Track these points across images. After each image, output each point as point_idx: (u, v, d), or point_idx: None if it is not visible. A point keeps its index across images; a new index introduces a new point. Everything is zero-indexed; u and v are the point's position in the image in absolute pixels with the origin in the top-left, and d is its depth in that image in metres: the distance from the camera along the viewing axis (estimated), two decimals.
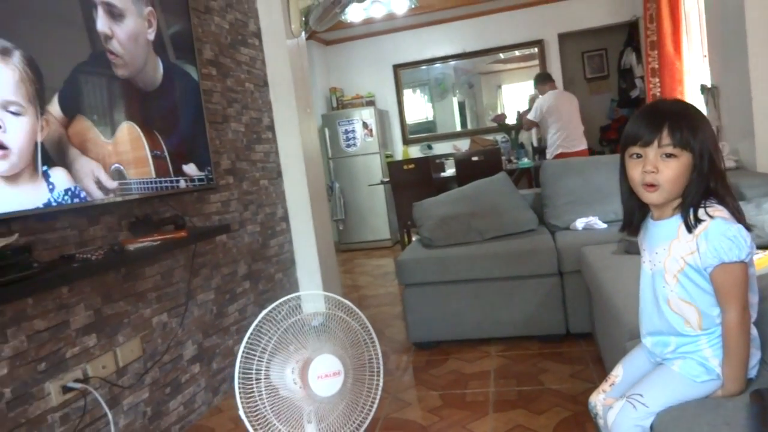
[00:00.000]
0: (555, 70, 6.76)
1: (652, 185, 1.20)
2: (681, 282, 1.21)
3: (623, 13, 6.37)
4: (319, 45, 6.93)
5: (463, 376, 2.63)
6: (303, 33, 3.96)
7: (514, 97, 7.13)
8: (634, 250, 2.44)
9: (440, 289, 2.99)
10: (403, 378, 2.73)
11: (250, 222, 3.12)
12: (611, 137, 6.95)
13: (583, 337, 2.87)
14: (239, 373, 1.71)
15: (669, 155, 1.17)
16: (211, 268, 2.67)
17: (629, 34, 6.62)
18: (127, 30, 2.15)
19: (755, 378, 1.23)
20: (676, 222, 1.21)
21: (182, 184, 2.42)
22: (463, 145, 6.66)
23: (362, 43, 7.04)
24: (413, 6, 6.05)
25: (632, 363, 1.41)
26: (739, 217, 1.17)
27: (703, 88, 4.20)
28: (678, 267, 1.21)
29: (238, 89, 3.21)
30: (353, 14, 6.01)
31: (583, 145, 5.32)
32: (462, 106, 7.35)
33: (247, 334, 1.72)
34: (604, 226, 3.12)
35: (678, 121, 1.17)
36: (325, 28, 4.33)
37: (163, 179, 2.31)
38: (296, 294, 1.85)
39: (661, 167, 1.18)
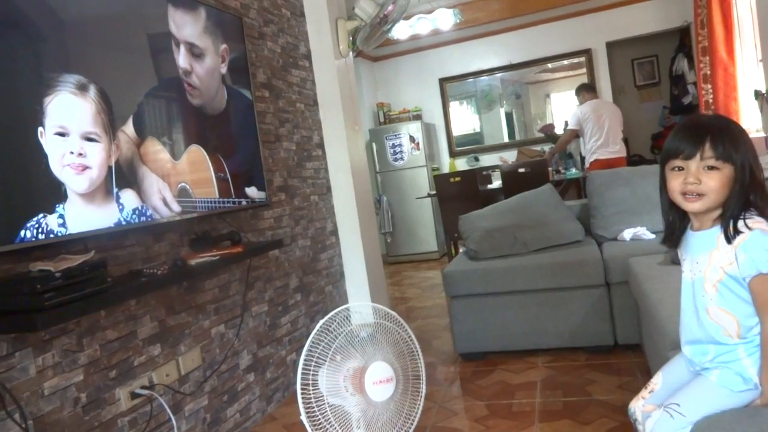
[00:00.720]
0: (603, 78, 6.71)
1: (696, 195, 1.23)
2: (720, 291, 1.24)
3: (674, 19, 6.27)
4: (367, 61, 7.09)
5: (509, 387, 2.66)
6: (351, 52, 4.10)
7: (563, 106, 7.09)
8: (678, 260, 2.43)
9: (486, 300, 3.04)
10: (450, 388, 2.78)
11: (301, 237, 3.24)
12: (663, 145, 6.81)
13: (631, 348, 2.86)
14: (301, 380, 1.80)
15: (711, 167, 1.21)
16: (264, 281, 2.81)
17: (680, 39, 6.50)
18: (206, 67, 2.37)
19: None
20: (716, 232, 1.24)
21: (243, 203, 2.56)
22: (511, 156, 6.66)
23: (408, 59, 7.16)
24: (458, 21, 6.14)
25: (671, 371, 1.44)
26: None
27: (757, 94, 4.11)
28: (717, 276, 1.25)
29: (289, 109, 3.36)
30: (399, 31, 6.16)
31: (620, 153, 5.36)
32: (509, 117, 7.35)
33: (307, 345, 1.82)
34: (652, 236, 3.10)
35: (720, 134, 1.21)
36: (373, 46, 4.46)
37: (225, 200, 2.45)
38: (347, 306, 1.94)
39: (704, 179, 1.21)
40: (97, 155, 1.75)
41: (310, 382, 1.79)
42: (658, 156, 6.81)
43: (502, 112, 7.33)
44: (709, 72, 4.99)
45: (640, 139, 7.03)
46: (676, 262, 2.47)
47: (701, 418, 1.24)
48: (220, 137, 2.46)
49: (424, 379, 1.98)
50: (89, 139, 1.72)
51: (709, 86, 5.00)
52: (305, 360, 1.82)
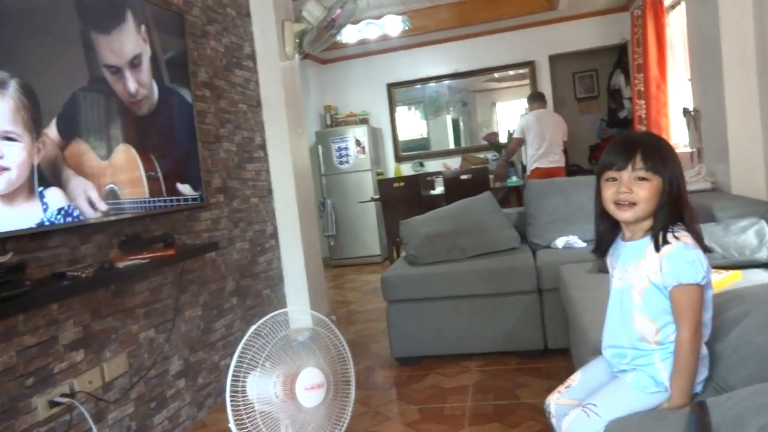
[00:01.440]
0: (546, 90, 6.89)
1: (627, 204, 1.30)
2: (644, 298, 1.31)
3: (613, 36, 6.52)
4: (315, 64, 7.07)
5: (442, 391, 2.70)
6: (297, 55, 4.08)
7: (509, 114, 7.26)
8: (607, 269, 2.53)
9: (424, 305, 3.07)
10: (384, 392, 2.80)
11: (240, 239, 3.20)
12: (600, 156, 7.05)
13: (560, 353, 2.95)
14: (230, 386, 1.78)
15: (642, 178, 1.29)
16: (199, 284, 2.76)
17: (618, 56, 6.76)
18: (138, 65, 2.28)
19: (700, 393, 1.31)
20: (646, 243, 1.31)
21: (175, 203, 2.51)
22: (455, 162, 6.77)
23: (357, 63, 7.18)
24: (407, 28, 6.19)
25: (590, 370, 1.51)
26: (700, 241, 1.29)
27: (685, 111, 4.31)
28: (643, 284, 1.32)
29: (231, 110, 3.32)
30: (348, 35, 6.16)
31: (559, 163, 5.53)
32: (456, 124, 7.46)
33: (238, 350, 1.80)
34: (584, 244, 3.21)
35: (650, 149, 1.30)
36: (320, 50, 4.46)
37: (156, 199, 2.41)
38: (280, 311, 1.92)
39: (635, 189, 1.29)
40: (16, 155, 1.68)
41: (240, 388, 1.77)
42: (595, 167, 7.08)
43: (449, 118, 7.44)
44: (643, 88, 5.19)
45: (578, 150, 7.26)
46: (603, 270, 2.57)
47: (615, 418, 1.30)
48: (153, 136, 2.41)
49: (353, 384, 1.99)
50: (8, 139, 1.65)
51: (643, 102, 5.21)
52: (236, 366, 1.79)
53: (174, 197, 2.52)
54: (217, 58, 3.22)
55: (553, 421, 1.48)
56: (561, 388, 1.51)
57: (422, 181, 5.58)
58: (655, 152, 1.28)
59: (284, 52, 3.82)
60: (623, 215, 1.32)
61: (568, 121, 7.38)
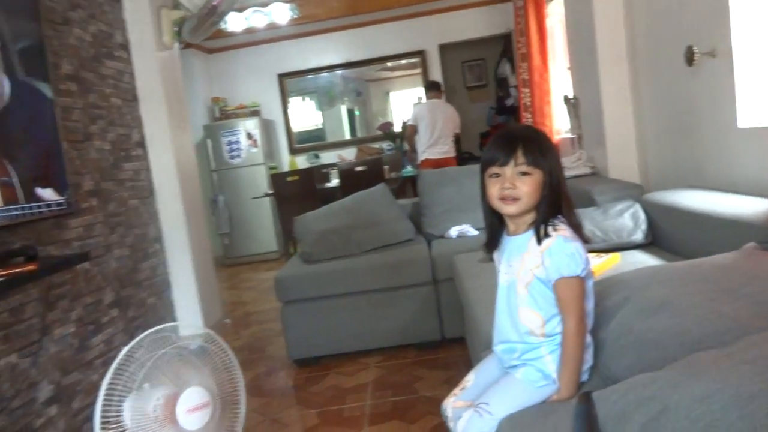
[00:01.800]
0: (437, 77, 6.98)
1: (512, 199, 1.30)
2: (530, 292, 1.31)
3: (498, 25, 6.70)
4: (200, 53, 6.73)
5: (341, 391, 2.64)
6: (177, 44, 3.83)
7: (403, 103, 7.29)
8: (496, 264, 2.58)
9: (320, 304, 2.99)
10: (282, 397, 2.70)
11: (118, 245, 2.96)
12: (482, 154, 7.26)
13: (457, 342, 2.98)
14: (101, 414, 1.61)
15: (524, 173, 1.28)
16: (70, 299, 2.51)
17: (504, 45, 6.98)
18: None
19: (586, 381, 1.33)
20: (529, 236, 1.31)
21: (36, 211, 2.26)
22: (351, 153, 6.72)
23: (245, 52, 6.92)
24: (295, 16, 6.03)
25: (483, 369, 1.49)
26: (579, 232, 1.29)
27: (566, 99, 4.50)
28: (527, 278, 1.31)
29: (102, 105, 3.05)
30: (233, 23, 5.91)
31: (448, 154, 5.62)
32: (351, 114, 7.40)
33: (109, 373, 1.63)
34: (476, 233, 3.26)
35: (530, 143, 1.29)
36: (201, 39, 4.21)
37: (11, 207, 2.15)
38: (159, 327, 1.77)
39: (518, 183, 1.29)
40: None
41: (112, 417, 1.60)
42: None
43: (344, 109, 7.37)
44: (527, 77, 5.37)
45: (470, 137, 7.44)
46: (494, 259, 2.62)
47: (508, 415, 1.29)
48: (4, 137, 2.15)
49: (243, 401, 1.88)
50: None
51: (528, 90, 5.40)
52: (107, 390, 1.63)
53: (34, 204, 2.27)
54: (83, 48, 2.94)
55: (451, 425, 1.45)
56: (456, 390, 1.49)
57: (317, 173, 5.48)
58: (535, 146, 1.29)
59: (162, 41, 3.57)
60: (508, 210, 1.32)
61: (459, 109, 7.54)
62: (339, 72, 7.14)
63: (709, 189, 2.37)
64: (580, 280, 1.26)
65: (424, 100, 6.08)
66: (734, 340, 1.07)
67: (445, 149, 5.57)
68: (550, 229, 1.27)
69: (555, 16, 5.05)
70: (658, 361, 1.13)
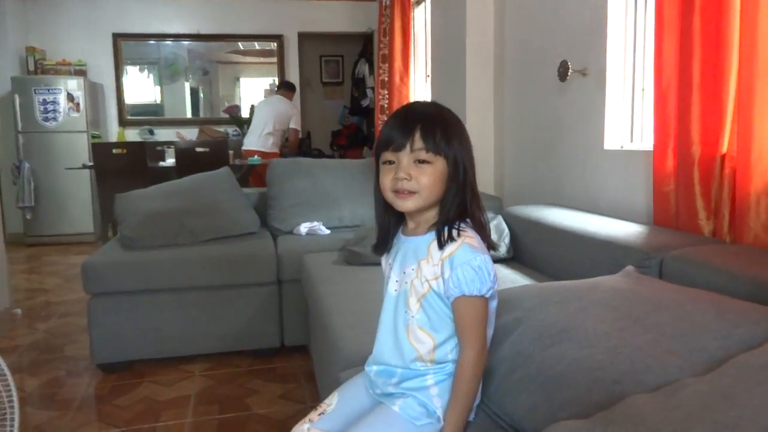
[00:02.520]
0: (293, 68, 6.66)
1: (407, 192, 1.03)
2: (423, 308, 1.06)
3: (360, 23, 6.53)
4: None
5: (156, 405, 2.20)
6: None
7: (253, 92, 6.83)
8: (356, 262, 2.33)
9: (138, 298, 2.51)
10: (77, 412, 2.18)
11: None
12: (341, 143, 7.11)
13: (298, 350, 2.69)
14: None
15: (422, 161, 1.02)
16: None
17: (364, 45, 6.84)
18: None
19: (473, 420, 1.11)
20: (429, 239, 1.06)
21: None
22: (191, 134, 6.10)
23: (75, 2, 5.98)
24: None
25: (349, 392, 1.19)
26: (485, 237, 1.06)
27: None
28: (423, 290, 1.05)
29: None
30: None
31: (261, 148, 5.38)
32: (195, 93, 6.78)
33: None
34: (328, 231, 2.99)
35: (432, 124, 1.03)
36: None
37: None
38: None
39: (414, 174, 1.02)
40: None
41: None
42: (336, 153, 7.10)
43: (187, 86, 6.72)
44: (386, 78, 5.25)
45: (321, 135, 7.20)
46: (351, 262, 2.36)
47: None
48: None
49: (17, 418, 1.41)
50: None
51: (386, 92, 5.27)
52: None
53: None
54: None
55: None
56: (313, 415, 1.18)
57: (150, 150, 4.84)
58: (438, 128, 1.03)
59: None
60: (403, 205, 1.05)
61: (312, 104, 7.33)
62: (185, 44, 6.48)
63: (569, 208, 2.34)
64: (485, 301, 1.04)
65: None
66: (654, 380, 0.92)
67: (263, 143, 5.40)
68: (454, 233, 1.03)
69: (419, 21, 4.99)
70: (570, 402, 0.94)
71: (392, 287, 1.11)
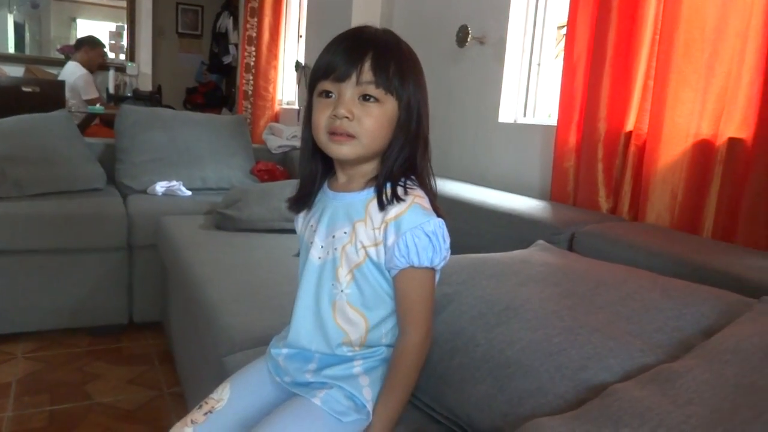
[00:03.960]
0: (145, 12, 5.95)
1: (345, 134, 0.81)
2: (356, 280, 0.85)
3: None
4: None
5: None
6: None
7: (92, 32, 5.99)
8: (229, 227, 2.04)
9: None
10: None
11: None
12: (197, 101, 6.53)
13: (149, 328, 2.33)
14: None
15: (369, 97, 0.81)
16: None
17: None
18: None
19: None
20: (367, 197, 0.85)
21: None
22: (16, 72, 5.20)
23: None
24: None
25: (247, 383, 0.94)
26: (435, 204, 0.86)
27: (298, 65, 4.16)
28: (357, 260, 0.84)
29: None
30: None
31: None
32: (20, 28, 5.80)
33: None
34: (189, 193, 2.64)
35: (386, 55, 0.82)
36: None
37: None
38: None
39: (358, 113, 0.81)
40: None
41: None
42: (191, 110, 6.51)
43: (11, 19, 5.73)
44: (254, 34, 4.87)
45: (174, 91, 6.53)
46: (223, 227, 2.06)
47: None
48: None
49: None
50: None
51: (253, 49, 4.89)
52: None
53: None
54: None
55: None
56: (197, 415, 0.92)
57: None
58: (393, 61, 0.82)
59: None
60: (338, 151, 0.83)
61: (166, 56, 6.64)
62: None
63: (459, 180, 2.25)
64: (433, 273, 0.85)
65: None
66: (619, 365, 0.81)
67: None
68: (400, 191, 0.83)
69: None
70: (531, 392, 0.80)
71: (315, 254, 0.88)
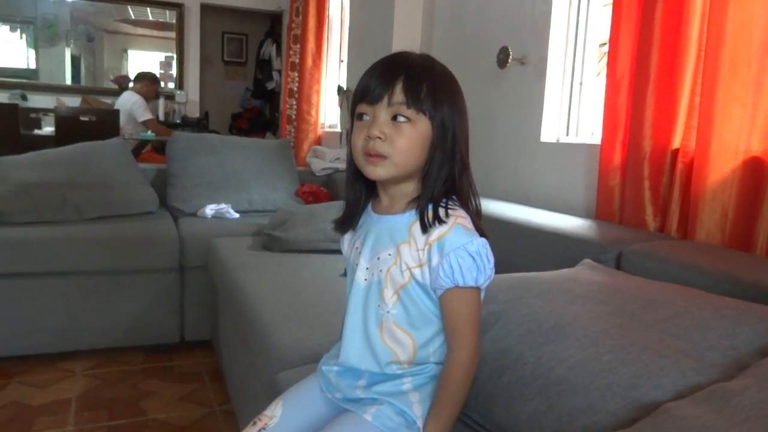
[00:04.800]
0: (193, 43, 6.19)
1: (377, 155, 0.84)
2: (402, 301, 0.87)
3: (269, 2, 6.20)
4: None
5: (28, 411, 1.84)
6: None
7: (142, 65, 6.27)
8: (276, 248, 2.09)
9: (8, 283, 2.12)
10: None
11: None
12: (242, 126, 6.73)
13: (200, 346, 2.40)
14: None
15: (401, 117, 0.83)
16: None
17: (271, 25, 6.50)
18: None
19: None
20: (410, 219, 0.87)
21: None
22: (73, 102, 5.46)
23: None
24: None
25: (299, 399, 0.97)
26: (478, 224, 0.87)
27: (340, 89, 4.25)
28: (402, 281, 0.86)
29: None
30: None
31: None
32: (76, 61, 6.12)
33: None
34: (237, 216, 2.72)
35: (418, 77, 0.84)
36: None
37: None
38: None
39: (390, 133, 0.83)
40: None
41: None
42: (236, 135, 6.69)
43: (68, 52, 6.05)
44: (297, 60, 5.00)
45: (220, 117, 6.76)
46: (270, 248, 2.12)
47: None
48: None
49: None
50: None
51: (296, 74, 5.02)
52: None
53: None
54: None
55: None
56: (250, 430, 0.95)
57: (23, 117, 4.24)
58: (425, 82, 0.85)
59: None
60: (373, 171, 0.86)
61: (213, 83, 6.87)
62: (68, 5, 5.81)
63: (503, 200, 2.25)
64: (479, 292, 0.87)
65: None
66: (671, 384, 0.80)
67: None
68: (442, 212, 0.85)
69: (335, 3, 4.78)
70: (582, 410, 0.80)
71: (361, 276, 0.90)
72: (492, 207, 2.05)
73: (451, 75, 0.91)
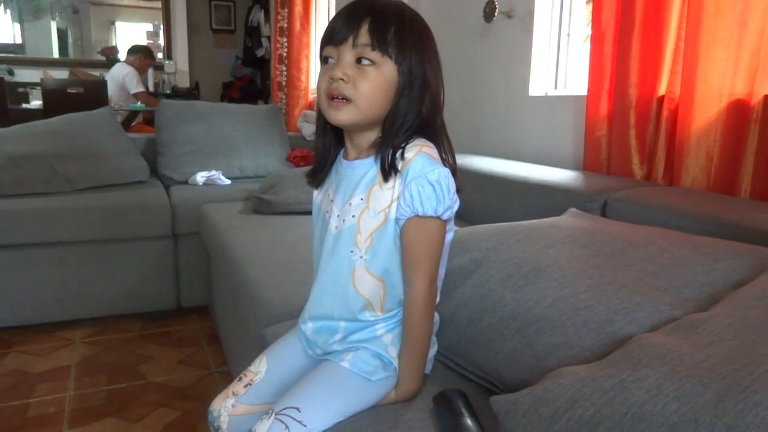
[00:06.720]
0: (180, 10, 6.10)
1: (342, 99, 0.82)
2: (375, 245, 0.86)
3: None
4: None
5: (28, 379, 1.87)
6: None
7: (130, 37, 6.18)
8: (266, 211, 2.10)
9: (3, 255, 2.13)
10: None
11: None
12: (233, 95, 6.65)
13: (196, 311, 2.43)
14: None
15: (365, 60, 0.81)
16: None
17: None
18: None
19: (430, 374, 0.96)
20: (377, 162, 0.85)
21: None
22: (60, 76, 5.40)
23: None
24: None
25: (282, 355, 0.98)
26: (451, 165, 0.87)
27: None
28: (376, 224, 0.85)
29: None
30: None
31: None
32: (63, 34, 6.02)
33: None
34: (228, 182, 2.72)
35: (385, 19, 0.82)
36: None
37: None
38: None
39: (354, 75, 0.81)
40: None
41: None
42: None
43: (54, 25, 5.96)
44: (285, 25, 4.93)
45: (211, 86, 6.68)
46: (260, 211, 2.12)
47: (330, 426, 0.84)
48: None
49: None
50: None
51: (285, 40, 4.95)
52: None
53: None
54: None
55: None
56: (237, 387, 0.97)
57: (10, 91, 4.21)
58: (393, 25, 0.82)
59: None
60: (336, 116, 0.84)
61: (202, 53, 6.77)
62: None
63: (491, 156, 2.25)
64: (440, 224, 0.86)
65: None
66: (647, 318, 0.81)
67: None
68: (398, 156, 0.83)
69: None
70: (558, 346, 0.81)
71: (333, 223, 0.90)
72: (481, 163, 2.05)
73: (423, 22, 0.89)
